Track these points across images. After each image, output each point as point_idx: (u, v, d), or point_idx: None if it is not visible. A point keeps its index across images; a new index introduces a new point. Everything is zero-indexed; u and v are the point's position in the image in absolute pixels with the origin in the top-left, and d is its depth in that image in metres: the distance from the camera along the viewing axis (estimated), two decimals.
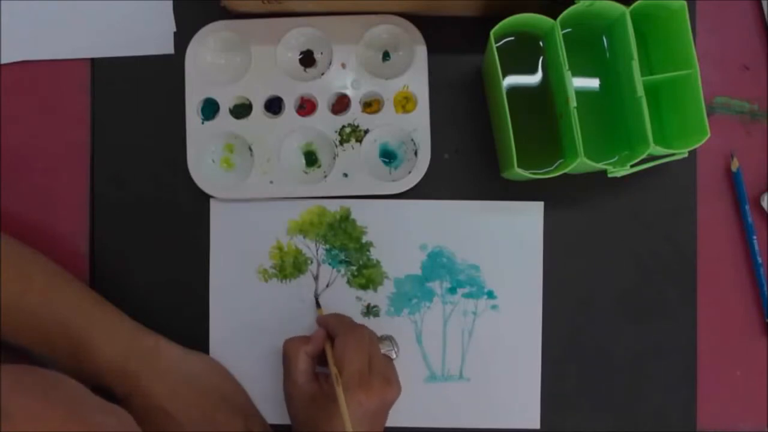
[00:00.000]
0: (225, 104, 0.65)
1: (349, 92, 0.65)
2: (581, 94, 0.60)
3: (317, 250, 0.66)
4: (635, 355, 0.66)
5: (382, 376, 0.56)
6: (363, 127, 0.64)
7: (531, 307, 0.66)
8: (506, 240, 0.66)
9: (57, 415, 0.37)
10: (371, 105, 0.65)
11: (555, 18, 0.58)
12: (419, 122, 0.64)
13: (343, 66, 0.65)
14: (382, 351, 0.60)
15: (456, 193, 0.66)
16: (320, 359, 0.60)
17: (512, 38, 0.62)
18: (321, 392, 0.58)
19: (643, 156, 0.58)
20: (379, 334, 0.62)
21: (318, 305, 0.65)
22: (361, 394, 0.55)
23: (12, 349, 0.58)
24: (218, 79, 0.65)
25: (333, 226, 0.66)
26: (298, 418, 0.59)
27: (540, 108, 0.63)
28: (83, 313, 0.59)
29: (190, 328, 0.65)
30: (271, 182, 0.64)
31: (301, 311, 0.65)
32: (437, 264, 0.66)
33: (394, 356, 0.62)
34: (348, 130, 0.64)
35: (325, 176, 0.64)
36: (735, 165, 0.66)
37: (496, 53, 0.58)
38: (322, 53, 0.66)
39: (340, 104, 0.65)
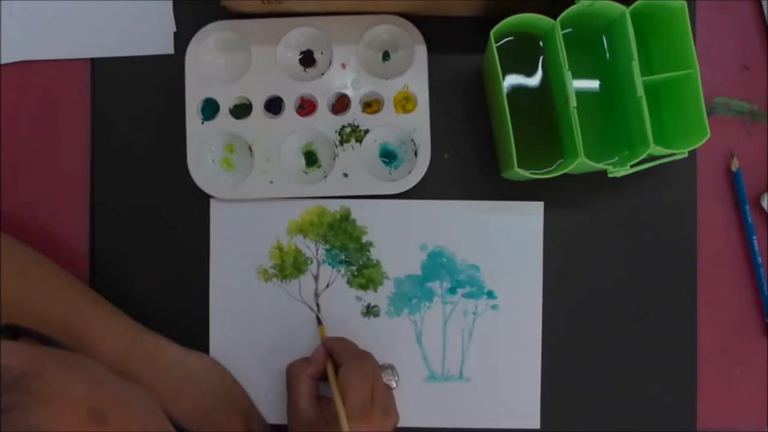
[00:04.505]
0: (225, 104, 0.65)
1: (349, 92, 0.65)
2: (581, 94, 0.60)
3: (317, 250, 0.66)
4: (635, 355, 0.66)
5: (382, 406, 0.57)
6: (363, 127, 0.64)
7: (531, 307, 0.66)
8: (506, 240, 0.66)
9: (85, 385, 0.39)
10: (371, 105, 0.65)
11: (555, 18, 0.58)
12: (419, 122, 0.64)
13: (343, 66, 0.65)
14: (384, 380, 0.60)
15: (456, 193, 0.66)
16: (323, 376, 0.60)
17: (512, 38, 0.62)
18: (321, 417, 0.58)
19: (643, 156, 0.58)
20: (381, 361, 0.62)
21: (319, 322, 0.65)
22: (362, 424, 0.56)
23: None
24: (218, 79, 0.65)
25: (333, 226, 0.66)
26: None
27: (540, 108, 0.63)
28: (83, 313, 0.59)
29: (190, 328, 0.65)
30: (271, 182, 0.64)
31: (301, 312, 0.65)
32: (437, 264, 0.66)
33: (394, 386, 0.62)
34: (348, 130, 0.64)
35: (325, 176, 0.64)
36: (735, 165, 0.66)
37: (496, 53, 0.58)
38: (322, 53, 0.65)
39: (340, 104, 0.65)
